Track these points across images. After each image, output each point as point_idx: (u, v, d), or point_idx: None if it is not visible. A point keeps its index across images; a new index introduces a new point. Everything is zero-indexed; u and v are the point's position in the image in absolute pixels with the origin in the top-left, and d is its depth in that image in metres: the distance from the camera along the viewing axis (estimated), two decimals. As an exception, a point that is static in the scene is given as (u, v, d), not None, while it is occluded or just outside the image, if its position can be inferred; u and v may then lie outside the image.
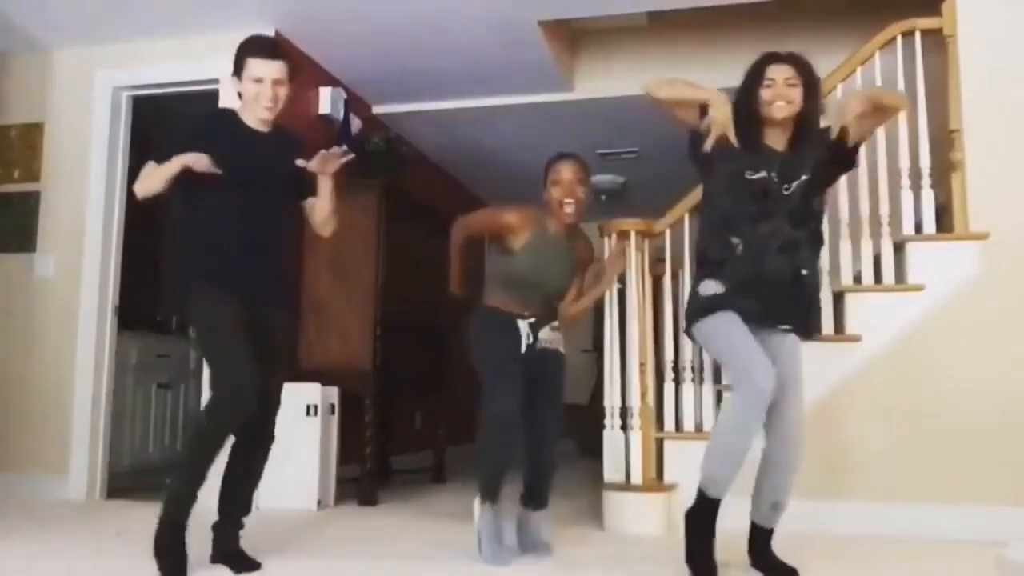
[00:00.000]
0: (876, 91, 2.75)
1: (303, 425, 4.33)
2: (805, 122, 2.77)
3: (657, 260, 4.15)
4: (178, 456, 3.07)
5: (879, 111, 2.84)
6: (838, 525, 3.60)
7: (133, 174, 4.79)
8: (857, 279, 3.91)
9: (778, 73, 2.73)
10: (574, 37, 5.46)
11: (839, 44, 4.38)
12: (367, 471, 4.57)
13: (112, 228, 4.81)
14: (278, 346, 3.00)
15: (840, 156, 2.84)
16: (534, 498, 3.25)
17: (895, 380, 3.73)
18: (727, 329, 2.75)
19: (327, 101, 5.14)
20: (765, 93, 2.73)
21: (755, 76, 2.77)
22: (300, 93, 5.00)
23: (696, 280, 2.88)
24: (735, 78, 2.87)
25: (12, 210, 4.90)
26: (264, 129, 2.98)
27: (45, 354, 4.76)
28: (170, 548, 2.74)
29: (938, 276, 3.76)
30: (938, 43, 3.94)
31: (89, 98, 4.90)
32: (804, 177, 2.76)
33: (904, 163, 3.85)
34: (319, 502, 4.30)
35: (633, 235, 3.97)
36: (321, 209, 3.06)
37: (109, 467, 4.74)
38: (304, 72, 5.02)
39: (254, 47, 2.94)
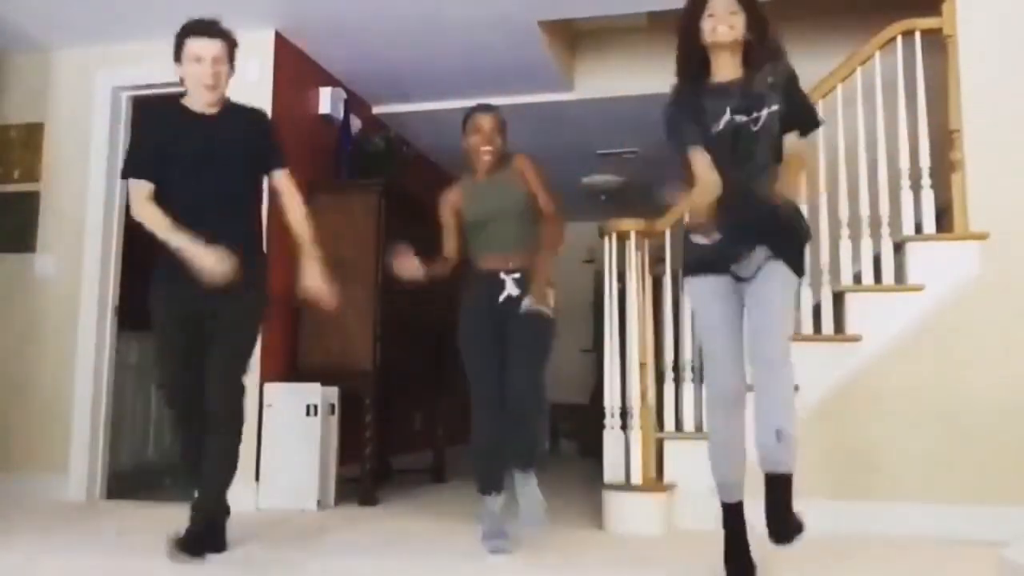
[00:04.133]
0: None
1: (303, 425, 4.33)
2: (753, 48, 2.72)
3: (657, 260, 4.15)
4: None
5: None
6: (837, 525, 3.59)
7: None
8: (857, 279, 3.91)
9: (718, 3, 2.71)
10: (574, 37, 5.46)
11: (839, 44, 4.38)
12: (367, 471, 4.57)
13: (112, 228, 4.81)
14: (234, 322, 2.98)
15: (796, 112, 2.74)
16: (512, 454, 3.25)
17: (895, 380, 3.73)
18: (705, 310, 2.76)
19: (327, 101, 5.15)
20: (707, 23, 2.71)
21: (696, 10, 2.74)
22: (300, 93, 5.01)
23: (688, 228, 2.83)
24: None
25: (12, 210, 4.90)
26: (212, 111, 2.96)
27: (45, 354, 4.76)
28: None
29: (938, 276, 3.76)
30: (938, 43, 3.94)
31: (89, 98, 4.90)
32: (774, 107, 2.68)
33: (904, 163, 3.85)
34: (319, 502, 4.30)
35: (633, 235, 3.97)
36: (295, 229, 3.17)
37: (109, 467, 4.73)
38: (304, 72, 5.03)
39: (191, 28, 2.97)
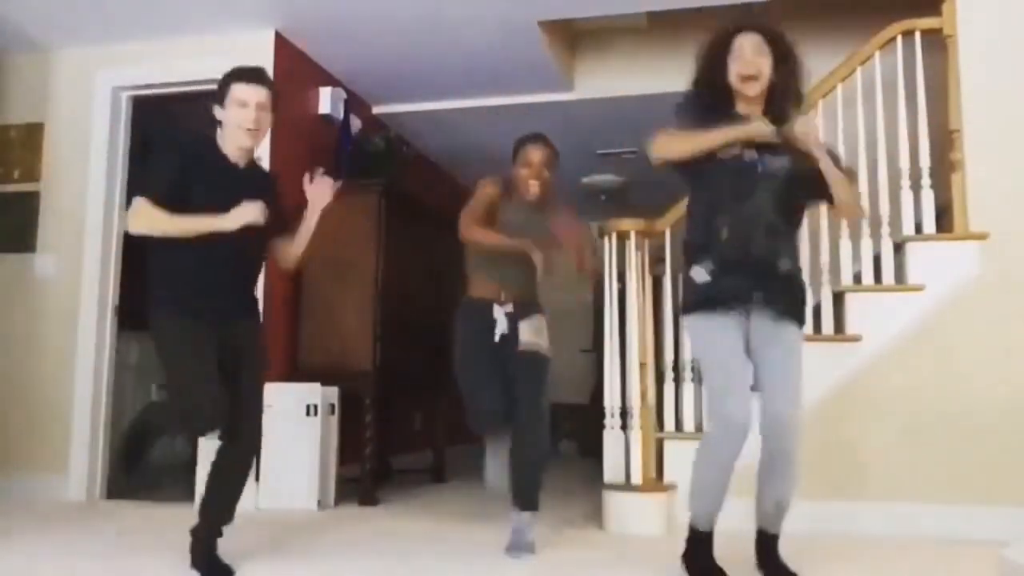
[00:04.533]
0: (838, 177, 2.67)
1: (303, 425, 4.33)
2: (778, 93, 2.67)
3: (657, 260, 4.15)
4: None
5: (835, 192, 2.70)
6: (837, 526, 3.60)
7: (133, 174, 4.84)
8: (857, 279, 3.91)
9: (747, 42, 2.64)
10: (574, 37, 5.46)
11: (839, 44, 4.38)
12: (367, 471, 4.57)
13: (112, 228, 4.81)
14: (250, 355, 2.95)
15: (813, 185, 2.71)
16: (517, 496, 3.25)
17: (895, 380, 3.73)
18: (712, 342, 2.67)
19: (327, 101, 5.15)
20: (733, 65, 2.65)
21: (722, 47, 2.67)
22: (300, 93, 5.01)
23: (686, 267, 2.79)
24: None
25: (12, 210, 4.90)
26: (242, 163, 2.94)
27: (45, 354, 4.76)
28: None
29: (938, 276, 3.76)
30: (938, 43, 3.94)
31: (89, 98, 4.90)
32: (783, 164, 2.64)
33: (904, 163, 3.85)
34: (319, 502, 4.30)
35: (633, 235, 3.97)
36: (296, 248, 3.06)
37: (109, 467, 4.74)
38: (304, 72, 5.04)
39: (239, 73, 2.93)
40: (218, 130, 2.94)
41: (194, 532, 2.92)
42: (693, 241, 2.77)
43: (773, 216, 2.65)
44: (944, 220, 3.93)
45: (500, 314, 3.31)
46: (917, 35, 3.91)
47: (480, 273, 3.39)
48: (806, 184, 2.69)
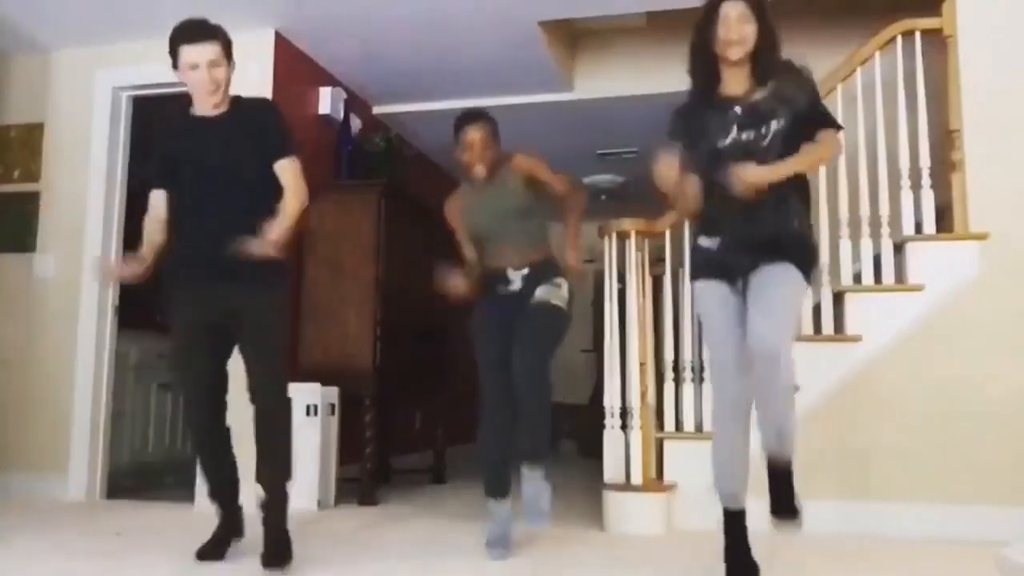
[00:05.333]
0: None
1: (303, 425, 4.32)
2: (763, 57, 2.69)
3: (657, 260, 4.15)
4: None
5: None
6: (837, 525, 3.60)
7: (133, 174, 4.84)
8: (857, 279, 3.91)
9: (731, 10, 2.69)
10: (574, 37, 5.46)
11: (839, 44, 4.39)
12: (367, 471, 4.57)
13: (112, 228, 4.80)
14: (258, 326, 2.90)
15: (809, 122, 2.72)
16: (520, 449, 3.17)
17: (895, 380, 3.73)
18: (711, 318, 2.73)
19: (327, 101, 5.15)
20: (719, 32, 2.69)
21: (708, 17, 2.73)
22: (300, 93, 5.01)
23: (696, 232, 2.85)
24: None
25: (12, 210, 4.90)
26: (217, 113, 2.94)
27: (45, 354, 4.76)
28: None
29: (938, 276, 3.76)
30: (938, 43, 3.94)
31: (89, 98, 4.90)
32: (781, 121, 2.64)
33: (904, 163, 3.85)
34: (319, 502, 4.30)
35: (633, 235, 3.97)
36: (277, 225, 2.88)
37: (109, 467, 4.74)
38: (304, 72, 5.03)
39: (182, 34, 2.90)
40: None
41: (263, 506, 2.90)
42: (707, 213, 2.75)
43: (779, 186, 2.62)
44: (944, 220, 3.93)
45: (516, 276, 3.27)
46: (917, 35, 3.91)
47: (491, 253, 3.35)
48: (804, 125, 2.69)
